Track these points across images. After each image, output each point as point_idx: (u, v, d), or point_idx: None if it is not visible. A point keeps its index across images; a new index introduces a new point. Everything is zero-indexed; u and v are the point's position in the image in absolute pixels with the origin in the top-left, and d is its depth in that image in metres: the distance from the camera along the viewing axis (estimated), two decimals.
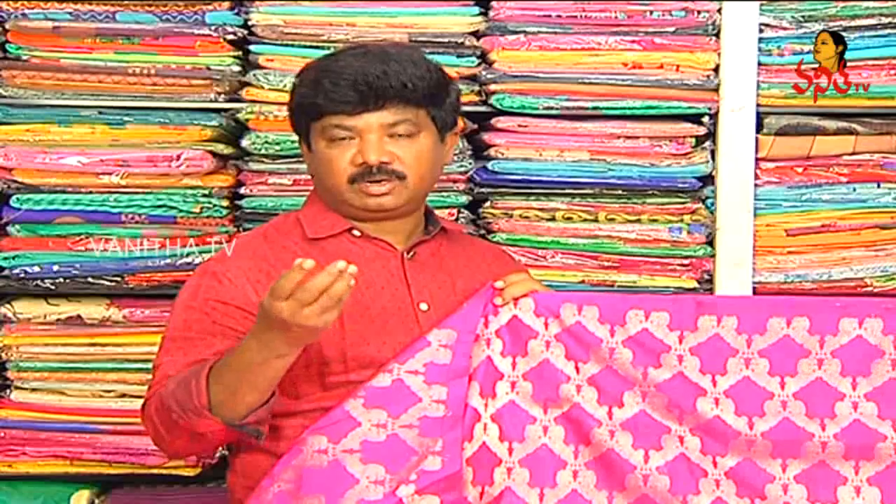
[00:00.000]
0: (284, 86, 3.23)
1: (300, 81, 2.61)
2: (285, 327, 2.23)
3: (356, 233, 2.58)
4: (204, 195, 3.26)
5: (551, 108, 3.26)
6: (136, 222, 3.26)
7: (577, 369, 2.44)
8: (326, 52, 3.19)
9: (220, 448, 2.88)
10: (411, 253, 2.61)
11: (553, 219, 3.31)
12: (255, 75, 3.27)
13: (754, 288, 3.28)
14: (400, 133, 2.54)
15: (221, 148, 3.28)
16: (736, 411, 2.41)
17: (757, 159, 3.28)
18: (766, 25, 3.28)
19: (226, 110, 3.29)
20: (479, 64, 3.29)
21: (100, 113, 3.26)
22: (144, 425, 2.48)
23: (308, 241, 2.57)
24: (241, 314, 2.45)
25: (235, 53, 3.30)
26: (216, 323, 2.45)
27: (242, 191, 3.29)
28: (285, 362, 2.32)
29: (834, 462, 2.40)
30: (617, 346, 2.44)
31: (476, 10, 3.30)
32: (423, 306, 2.55)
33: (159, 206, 3.25)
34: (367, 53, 2.57)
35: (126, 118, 3.25)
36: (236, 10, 3.28)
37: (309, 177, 3.11)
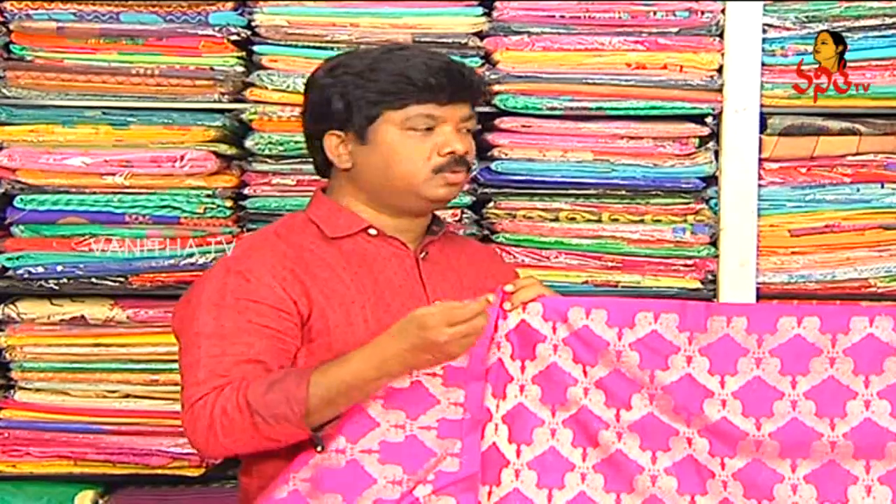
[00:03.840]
0: (288, 86, 3.23)
1: (364, 71, 2.53)
2: (433, 351, 2.29)
3: (372, 231, 2.58)
4: (208, 196, 3.25)
5: (555, 109, 3.26)
6: (140, 223, 3.25)
7: (585, 372, 2.45)
8: (330, 52, 3.22)
9: None
10: (424, 252, 2.62)
11: (556, 219, 3.31)
12: (258, 76, 3.26)
13: (758, 288, 3.27)
14: (467, 128, 2.59)
15: (225, 148, 3.28)
16: (743, 412, 2.41)
17: (760, 160, 3.27)
18: (770, 26, 3.27)
19: (229, 111, 3.28)
20: (482, 64, 3.28)
21: (103, 113, 3.26)
22: (191, 423, 2.40)
23: (324, 240, 2.57)
24: (275, 312, 2.45)
25: (239, 54, 3.29)
26: (251, 322, 2.44)
27: (246, 191, 3.29)
28: (390, 381, 2.37)
29: (844, 461, 2.40)
30: (624, 349, 2.44)
31: (479, 10, 3.29)
32: None
33: (163, 207, 3.25)
34: (425, 51, 2.61)
35: (130, 119, 3.25)
36: (240, 11, 3.27)
37: (312, 177, 3.11)
